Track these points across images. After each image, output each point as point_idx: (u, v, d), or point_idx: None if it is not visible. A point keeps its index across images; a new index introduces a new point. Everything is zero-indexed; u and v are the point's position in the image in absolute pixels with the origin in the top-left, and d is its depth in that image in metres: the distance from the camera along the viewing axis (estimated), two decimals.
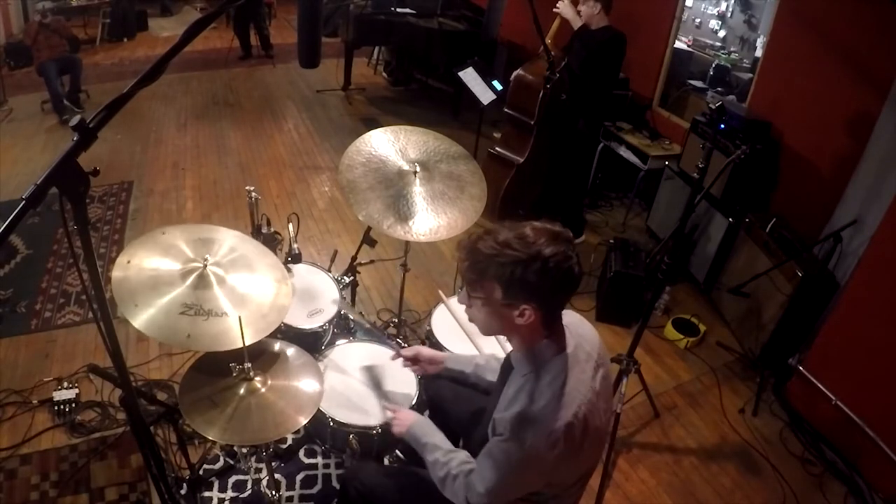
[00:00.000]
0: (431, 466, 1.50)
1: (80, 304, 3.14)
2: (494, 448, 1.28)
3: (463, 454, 1.49)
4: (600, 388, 1.35)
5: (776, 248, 3.04)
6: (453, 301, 2.41)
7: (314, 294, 2.38)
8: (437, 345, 2.19)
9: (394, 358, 1.89)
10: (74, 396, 2.52)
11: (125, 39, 7.54)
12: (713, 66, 4.03)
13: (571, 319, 1.40)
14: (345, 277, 2.62)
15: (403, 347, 2.07)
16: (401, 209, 2.16)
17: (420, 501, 1.60)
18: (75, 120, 0.90)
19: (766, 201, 3.54)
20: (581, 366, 1.31)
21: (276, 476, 2.25)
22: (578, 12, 3.46)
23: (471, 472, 1.38)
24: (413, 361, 1.83)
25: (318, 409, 1.74)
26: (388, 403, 1.90)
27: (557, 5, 3.53)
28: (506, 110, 3.93)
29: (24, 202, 0.85)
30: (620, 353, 2.57)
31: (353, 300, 2.86)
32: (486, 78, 4.43)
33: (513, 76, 3.84)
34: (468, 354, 1.83)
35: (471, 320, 1.37)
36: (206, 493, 2.19)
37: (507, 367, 1.43)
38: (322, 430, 1.93)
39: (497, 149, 3.99)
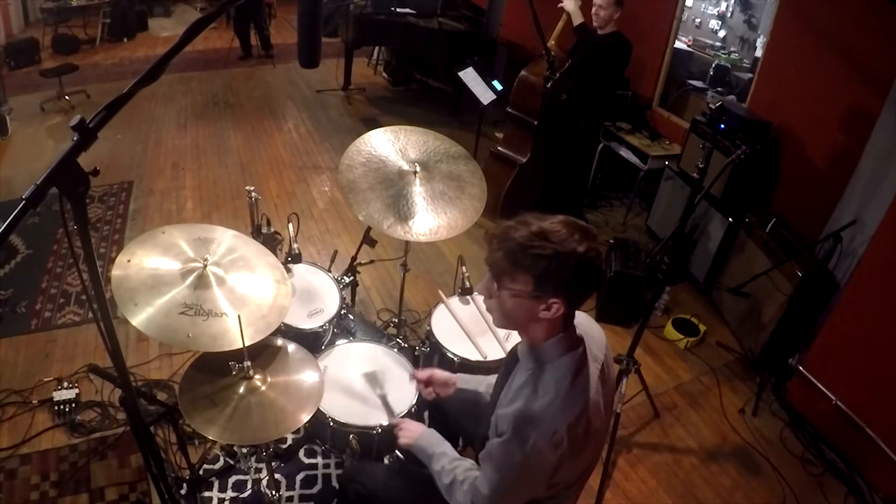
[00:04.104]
0: (438, 475, 1.49)
1: (80, 304, 3.13)
2: (496, 449, 1.27)
3: (469, 461, 1.48)
4: (604, 390, 1.35)
5: (776, 248, 3.03)
6: (453, 301, 2.41)
7: (314, 294, 2.39)
8: (436, 345, 2.19)
9: (411, 381, 1.85)
10: (74, 396, 2.52)
11: (125, 39, 7.53)
12: (713, 66, 4.03)
13: (580, 319, 1.39)
14: (345, 277, 2.63)
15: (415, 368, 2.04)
16: (401, 209, 2.16)
17: (421, 502, 1.60)
18: (75, 120, 0.90)
19: (766, 201, 3.53)
20: (587, 366, 1.31)
21: (276, 476, 2.25)
22: (583, 13, 3.47)
23: (477, 477, 1.37)
24: (426, 384, 1.76)
25: (318, 409, 1.74)
26: (393, 418, 1.89)
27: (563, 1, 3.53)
28: (509, 110, 3.93)
29: (24, 202, 0.85)
30: (620, 353, 2.57)
31: (353, 300, 2.86)
32: (486, 78, 4.43)
33: (518, 77, 3.84)
34: (478, 376, 1.78)
35: (489, 310, 1.35)
36: (206, 493, 2.20)
37: (511, 360, 1.42)
38: (322, 430, 1.93)
39: (500, 148, 3.99)
